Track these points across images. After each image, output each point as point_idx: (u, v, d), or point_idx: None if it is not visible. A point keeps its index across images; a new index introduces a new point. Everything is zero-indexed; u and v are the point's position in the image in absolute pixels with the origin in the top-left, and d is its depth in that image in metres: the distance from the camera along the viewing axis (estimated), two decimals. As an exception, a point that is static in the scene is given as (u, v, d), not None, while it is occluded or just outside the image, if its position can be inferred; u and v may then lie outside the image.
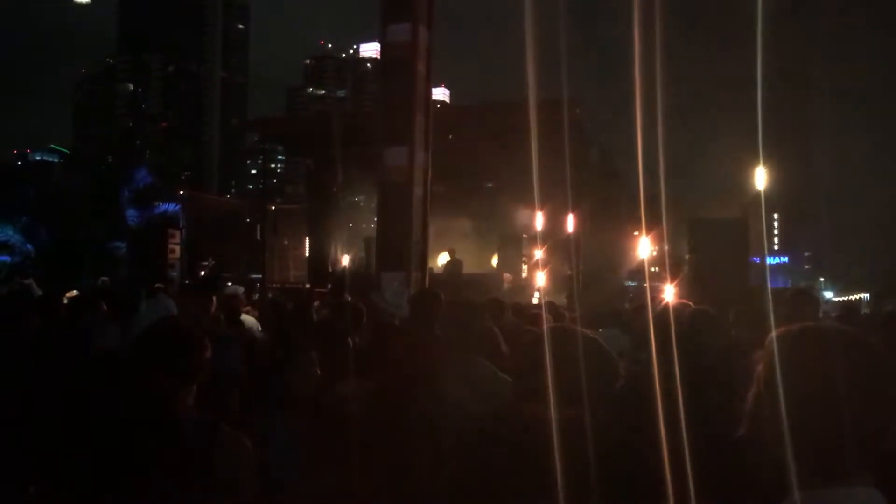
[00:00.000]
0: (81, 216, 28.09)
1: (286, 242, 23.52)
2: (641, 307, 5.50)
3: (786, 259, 77.09)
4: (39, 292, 8.14)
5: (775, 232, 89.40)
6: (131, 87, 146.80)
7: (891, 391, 1.30)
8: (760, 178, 12.50)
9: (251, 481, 2.14)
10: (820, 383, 1.29)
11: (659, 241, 18.39)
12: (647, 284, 15.79)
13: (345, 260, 20.65)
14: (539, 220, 17.20)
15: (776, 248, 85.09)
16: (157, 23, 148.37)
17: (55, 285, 12.08)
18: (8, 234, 27.47)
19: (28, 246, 27.20)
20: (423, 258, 8.04)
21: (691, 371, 3.47)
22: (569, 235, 17.53)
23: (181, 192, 24.02)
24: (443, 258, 18.93)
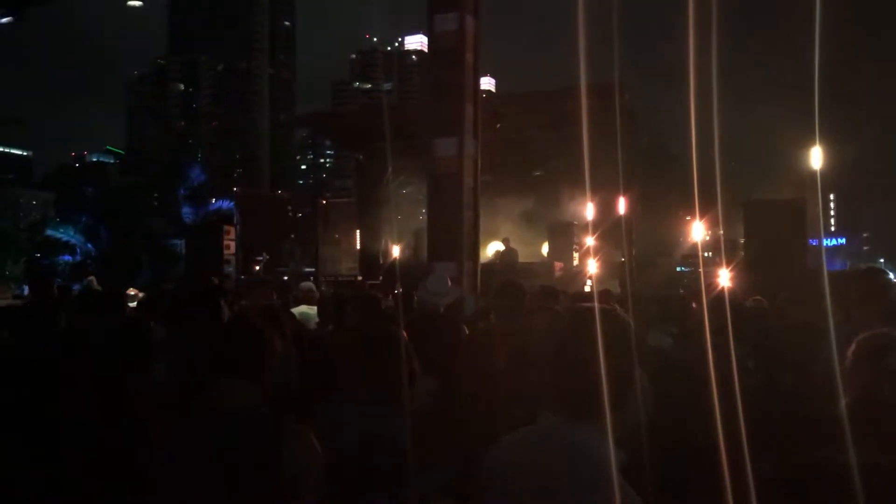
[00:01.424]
0: (138, 215, 28.82)
1: (337, 236, 23.76)
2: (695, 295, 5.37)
3: (843, 241, 74.94)
4: (99, 289, 8.37)
5: (832, 213, 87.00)
6: (182, 86, 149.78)
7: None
8: (816, 157, 12.21)
9: (317, 479, 2.15)
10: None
11: (713, 224, 18.09)
12: (700, 269, 15.57)
13: (395, 251, 20.79)
14: (590, 207, 17.09)
15: (832, 229, 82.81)
16: (205, 22, 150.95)
17: (115, 283, 12.44)
18: (69, 234, 28.33)
19: (88, 245, 28.03)
20: (475, 248, 8.05)
21: (760, 355, 3.41)
22: (620, 221, 17.37)
23: (235, 189, 24.40)
24: (493, 247, 18.92)
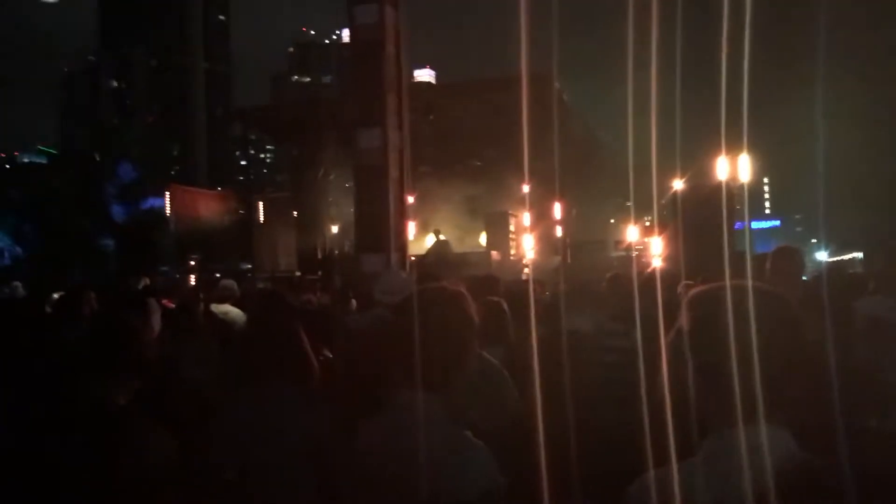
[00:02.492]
0: (68, 215, 28.04)
1: (272, 231, 23.51)
2: (616, 276, 5.50)
3: (777, 223, 77.22)
4: (23, 293, 8.14)
5: (766, 195, 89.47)
6: (115, 83, 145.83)
7: (795, 340, 1.47)
8: (744, 164, 12.63)
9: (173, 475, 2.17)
10: (727, 334, 1.42)
11: (646, 212, 18.44)
12: (632, 254, 15.88)
13: (332, 244, 20.68)
14: (525, 196, 17.27)
15: (767, 212, 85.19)
16: (137, 18, 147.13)
17: (44, 286, 12.06)
18: (-4, 236, 27.47)
19: (17, 248, 27.16)
20: (402, 239, 8.06)
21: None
22: (554, 210, 17.59)
23: (167, 186, 23.92)
24: (430, 239, 18.96)
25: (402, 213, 7.97)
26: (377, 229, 7.62)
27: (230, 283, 7.33)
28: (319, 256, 21.08)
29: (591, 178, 21.91)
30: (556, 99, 17.41)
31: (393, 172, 7.75)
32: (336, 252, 20.50)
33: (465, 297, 1.85)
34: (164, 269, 18.76)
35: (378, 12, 7.65)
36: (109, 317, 2.48)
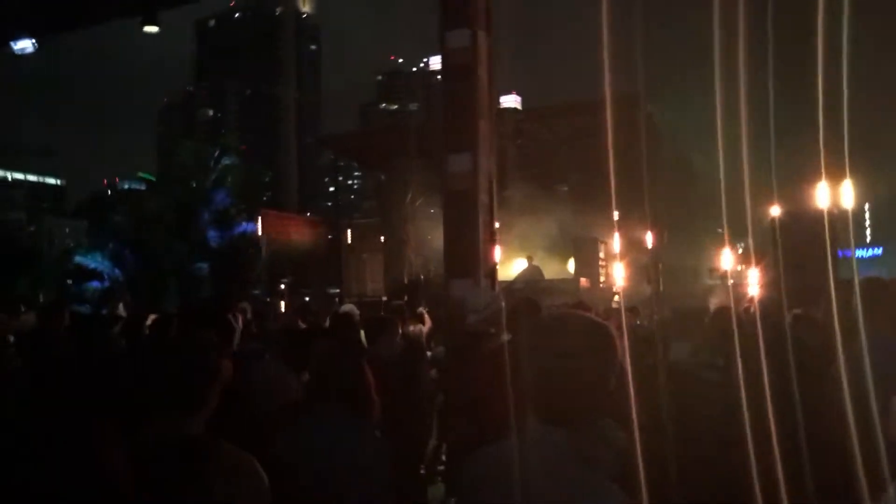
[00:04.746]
0: (165, 240, 29.16)
1: (363, 256, 23.81)
2: (722, 310, 5.23)
3: (879, 251, 73.48)
4: (124, 313, 8.39)
5: (867, 223, 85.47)
6: (210, 112, 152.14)
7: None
8: (847, 190, 12.07)
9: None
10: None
11: (742, 238, 17.80)
12: (729, 282, 15.29)
13: (418, 270, 20.76)
14: (614, 222, 16.89)
15: (868, 240, 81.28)
16: (232, 49, 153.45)
17: (141, 308, 12.50)
18: (97, 260, 28.72)
19: (116, 271, 28.36)
20: (492, 264, 7.95)
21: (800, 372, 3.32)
22: (645, 237, 17.16)
23: (260, 212, 24.61)
24: (518, 264, 18.75)
25: (492, 239, 7.85)
26: (466, 254, 7.53)
27: (350, 307, 7.42)
28: (406, 281, 21.20)
29: (683, 203, 21.33)
30: (646, 121, 17.05)
31: (483, 198, 7.66)
32: (422, 277, 20.58)
33: (610, 327, 1.72)
34: (256, 292, 19.20)
35: (470, 37, 7.62)
36: (193, 351, 2.33)
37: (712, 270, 17.72)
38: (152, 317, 7.33)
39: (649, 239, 17.68)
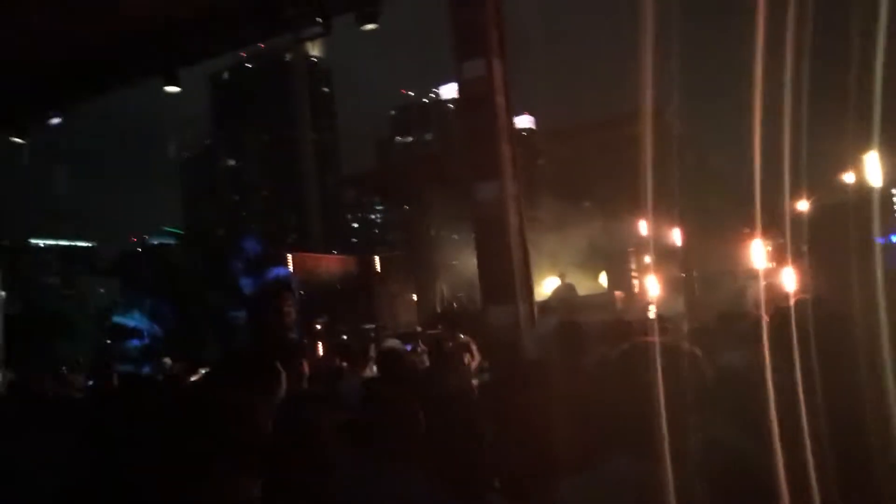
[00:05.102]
0: (200, 292, 29.41)
1: (390, 289, 23.89)
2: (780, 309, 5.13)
3: (913, 235, 72.09)
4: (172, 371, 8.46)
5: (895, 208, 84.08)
6: (231, 162, 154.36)
7: None
8: (872, 158, 11.87)
9: None
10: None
11: (773, 236, 17.63)
12: (763, 281, 15.12)
13: (450, 298, 20.81)
14: (644, 232, 16.84)
15: (899, 225, 79.83)
16: (247, 98, 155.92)
17: (186, 362, 12.59)
18: (135, 318, 29.03)
19: (155, 327, 28.63)
20: (528, 289, 7.97)
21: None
22: (676, 244, 17.06)
23: (289, 255, 24.81)
24: (550, 283, 18.72)
25: (526, 262, 7.88)
26: (502, 280, 7.55)
27: (396, 342, 7.47)
28: (439, 311, 21.24)
29: (709, 207, 21.22)
30: (667, 131, 17.04)
31: (513, 221, 7.70)
32: (455, 305, 20.62)
33: (696, 352, 1.71)
34: (293, 335, 19.27)
35: (486, 66, 7.72)
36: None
37: (748, 272, 17.53)
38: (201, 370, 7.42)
39: (678, 238, 17.57)
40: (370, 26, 9.69)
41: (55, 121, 12.55)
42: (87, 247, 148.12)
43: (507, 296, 7.50)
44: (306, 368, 4.63)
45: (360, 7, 9.55)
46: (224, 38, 10.52)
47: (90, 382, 7.40)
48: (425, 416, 3.00)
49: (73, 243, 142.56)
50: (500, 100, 7.86)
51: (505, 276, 7.53)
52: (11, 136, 12.96)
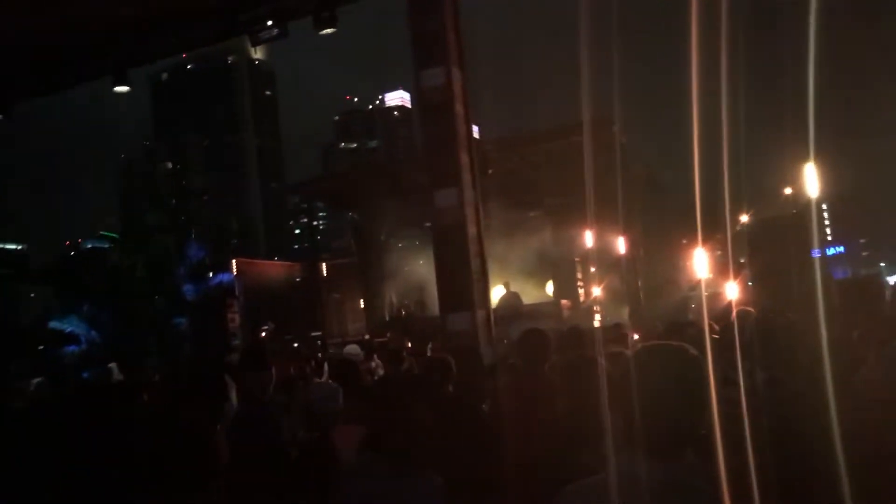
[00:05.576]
0: (140, 298, 28.76)
1: (339, 296, 23.74)
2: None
3: (842, 249, 75.10)
4: (121, 376, 8.27)
5: (826, 222, 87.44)
6: (171, 165, 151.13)
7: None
8: (810, 172, 12.27)
9: None
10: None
11: (715, 248, 18.11)
12: (704, 293, 15.51)
13: (398, 306, 20.77)
14: (589, 242, 17.10)
15: (829, 238, 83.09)
16: (188, 101, 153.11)
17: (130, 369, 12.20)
18: (73, 324, 28.19)
19: (93, 333, 27.86)
20: (486, 296, 8.03)
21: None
22: (621, 255, 17.37)
23: (233, 261, 24.45)
24: (497, 292, 18.86)
25: (484, 270, 7.94)
26: (461, 288, 7.59)
27: (354, 347, 7.42)
28: (387, 318, 21.16)
29: (655, 220, 21.68)
30: (609, 142, 17.35)
31: (471, 230, 7.75)
32: (403, 313, 20.57)
33: (702, 358, 1.74)
34: (237, 342, 18.98)
35: (445, 74, 7.77)
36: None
37: (691, 283, 17.97)
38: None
39: (623, 250, 17.90)
40: (328, 31, 9.69)
41: (-2, 118, 12.14)
42: (16, 249, 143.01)
43: (465, 302, 7.54)
44: (273, 376, 4.58)
45: (319, 12, 9.51)
46: (179, 39, 10.34)
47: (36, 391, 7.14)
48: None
49: (1, 245, 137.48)
50: (460, 108, 7.92)
51: (463, 283, 7.57)
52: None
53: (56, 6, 9.03)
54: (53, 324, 29.25)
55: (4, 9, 8.98)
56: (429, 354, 7.11)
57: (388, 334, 18.68)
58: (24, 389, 7.37)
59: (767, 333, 4.47)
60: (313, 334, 20.78)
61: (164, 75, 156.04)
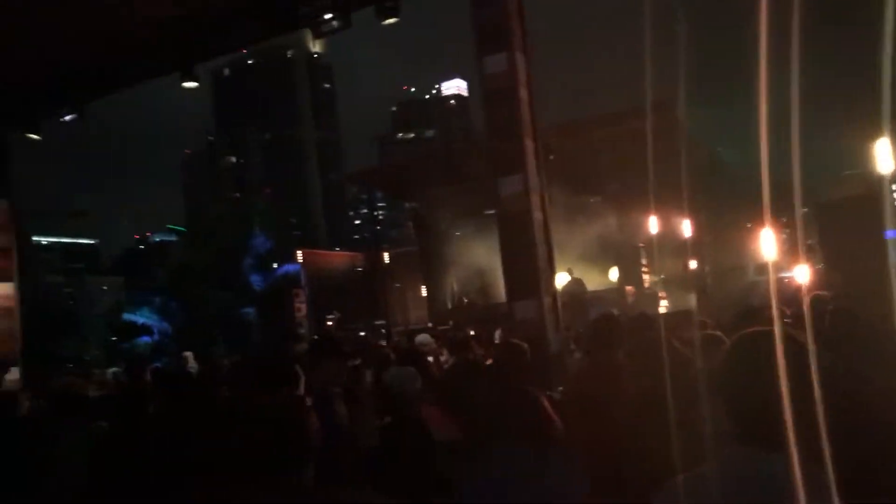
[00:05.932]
0: (208, 289, 29.54)
1: (399, 285, 23.88)
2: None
3: (919, 230, 72.08)
4: (195, 365, 8.46)
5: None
6: (233, 159, 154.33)
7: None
8: (883, 148, 11.80)
9: None
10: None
11: (782, 230, 17.61)
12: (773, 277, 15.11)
13: (460, 294, 20.81)
14: (654, 227, 16.81)
15: (904, 219, 79.81)
16: (249, 95, 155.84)
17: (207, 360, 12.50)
18: (145, 315, 29.15)
19: (164, 324, 28.76)
20: (552, 283, 7.97)
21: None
22: (686, 240, 17.05)
23: (298, 252, 24.84)
24: (560, 279, 18.69)
25: (550, 257, 7.87)
26: (527, 275, 7.54)
27: (425, 337, 7.46)
28: (449, 306, 21.24)
29: (720, 202, 21.18)
30: (673, 125, 17.00)
31: (537, 216, 7.69)
32: (465, 301, 20.60)
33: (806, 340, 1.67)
34: (303, 331, 19.33)
35: (508, 60, 7.71)
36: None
37: (759, 267, 17.49)
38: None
39: (688, 229, 17.50)
40: (390, 21, 9.72)
41: (68, 118, 12.56)
42: (89, 244, 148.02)
43: (531, 290, 7.49)
44: (346, 365, 4.65)
45: (382, 1, 9.55)
46: (243, 34, 10.52)
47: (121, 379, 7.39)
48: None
49: (74, 240, 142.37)
50: (524, 93, 7.86)
51: (530, 270, 7.52)
52: (26, 132, 12.97)
53: (125, 5, 9.29)
54: (127, 315, 30.26)
55: (75, 9, 9.27)
56: (497, 341, 7.10)
57: (451, 322, 18.78)
58: (104, 378, 7.62)
59: (847, 322, 4.31)
60: (377, 323, 20.98)
61: (226, 71, 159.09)
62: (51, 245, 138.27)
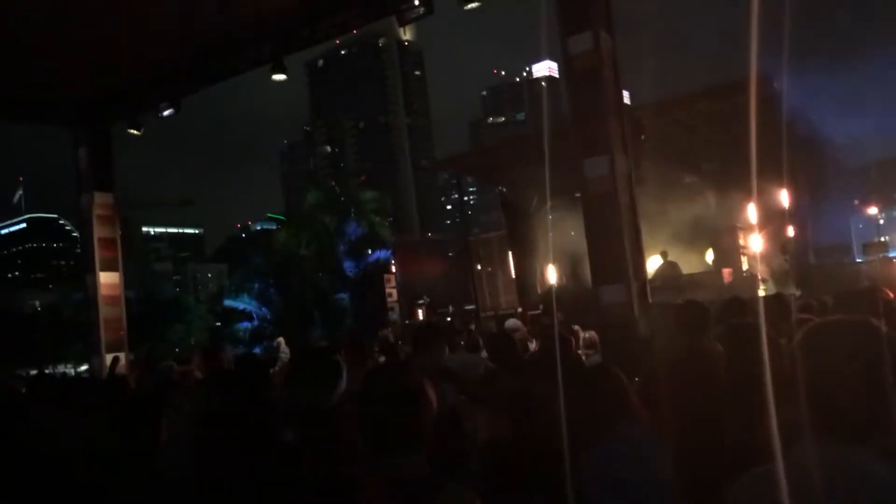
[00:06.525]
0: (306, 275, 30.38)
1: (491, 269, 23.85)
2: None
3: None
4: (287, 350, 8.69)
5: None
6: (329, 148, 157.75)
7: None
8: None
9: None
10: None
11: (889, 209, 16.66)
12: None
13: (552, 278, 20.59)
14: (752, 208, 16.15)
15: None
16: (343, 85, 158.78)
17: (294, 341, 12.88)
18: (245, 301, 30.23)
19: (263, 309, 29.74)
20: (640, 267, 7.77)
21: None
22: (788, 220, 16.34)
23: (391, 238, 25.23)
24: (652, 262, 18.22)
25: (637, 241, 7.68)
26: (613, 259, 7.38)
27: (514, 322, 7.46)
28: (539, 291, 21.08)
29: (823, 180, 20.17)
30: (770, 100, 16.25)
31: (623, 199, 7.51)
32: (555, 285, 20.39)
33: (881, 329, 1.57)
34: (395, 316, 19.64)
35: (593, 39, 7.53)
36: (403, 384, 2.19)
37: (868, 246, 16.59)
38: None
39: (789, 218, 16.79)
40: (473, 5, 9.67)
41: (167, 112, 13.09)
42: (195, 233, 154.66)
43: (618, 274, 7.33)
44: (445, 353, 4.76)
45: (464, -15, 9.49)
46: (330, 24, 10.66)
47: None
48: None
49: (181, 230, 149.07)
50: (609, 73, 7.66)
51: (616, 254, 7.35)
52: (128, 128, 13.58)
53: (224, 4, 9.59)
54: (228, 301, 31.43)
55: (168, 8, 9.63)
56: (574, 329, 6.98)
57: (541, 307, 18.63)
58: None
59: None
60: (466, 308, 21.06)
61: (321, 62, 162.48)
62: (159, 235, 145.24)
